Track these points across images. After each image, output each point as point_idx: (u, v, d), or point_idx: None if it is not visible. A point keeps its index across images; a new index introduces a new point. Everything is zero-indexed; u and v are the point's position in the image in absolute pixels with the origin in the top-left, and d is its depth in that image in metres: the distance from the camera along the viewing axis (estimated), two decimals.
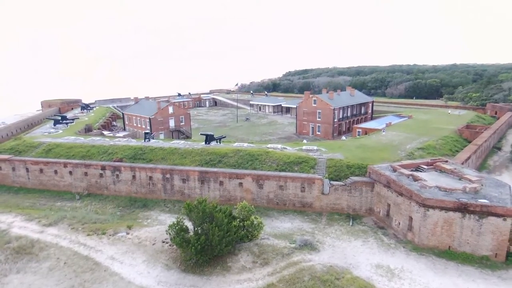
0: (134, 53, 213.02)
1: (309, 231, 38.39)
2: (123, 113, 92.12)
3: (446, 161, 44.05)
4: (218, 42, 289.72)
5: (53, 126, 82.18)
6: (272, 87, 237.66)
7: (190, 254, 30.28)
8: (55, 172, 53.22)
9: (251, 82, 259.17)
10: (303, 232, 38.04)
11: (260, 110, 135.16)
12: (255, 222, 35.43)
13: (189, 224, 32.90)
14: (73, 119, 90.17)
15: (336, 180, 46.12)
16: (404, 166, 42.52)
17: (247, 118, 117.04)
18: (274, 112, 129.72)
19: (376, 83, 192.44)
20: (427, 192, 34.62)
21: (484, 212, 31.76)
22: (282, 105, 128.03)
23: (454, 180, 39.01)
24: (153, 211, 45.36)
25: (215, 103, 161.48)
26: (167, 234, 32.31)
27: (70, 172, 52.54)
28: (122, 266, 31.74)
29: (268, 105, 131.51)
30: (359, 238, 36.73)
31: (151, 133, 65.71)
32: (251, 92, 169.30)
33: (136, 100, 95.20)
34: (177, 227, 32.04)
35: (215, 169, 47.04)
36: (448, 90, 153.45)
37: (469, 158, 51.49)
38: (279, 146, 57.17)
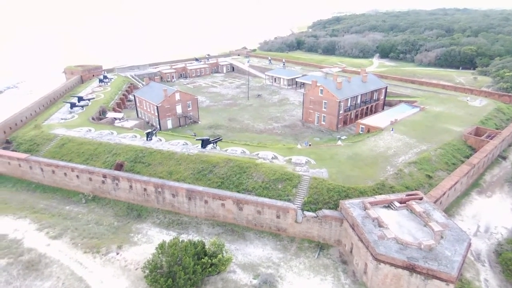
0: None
1: (276, 262, 42.29)
2: (134, 95, 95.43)
3: (421, 198, 44.62)
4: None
5: (70, 109, 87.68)
6: (296, 44, 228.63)
7: None
8: (65, 174, 59.39)
9: (275, 38, 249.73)
10: (269, 264, 42.03)
11: (275, 81, 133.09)
12: (224, 257, 39.70)
13: None
14: (89, 100, 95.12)
15: (314, 204, 48.64)
16: (376, 203, 43.89)
17: (258, 95, 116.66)
18: (288, 85, 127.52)
19: (407, 46, 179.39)
20: (383, 245, 36.60)
21: (429, 275, 33.78)
22: (297, 80, 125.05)
23: (419, 226, 40.26)
24: (145, 223, 50.83)
25: (232, 68, 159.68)
26: (142, 271, 37.43)
27: (77, 176, 58.46)
28: None
29: (283, 78, 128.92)
30: (318, 275, 40.26)
31: (153, 130, 69.21)
32: (269, 59, 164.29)
33: (147, 82, 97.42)
34: (152, 264, 37.01)
35: (200, 188, 50.67)
36: (483, 62, 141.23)
37: (454, 185, 51.24)
38: (270, 156, 59.12)
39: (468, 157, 62.40)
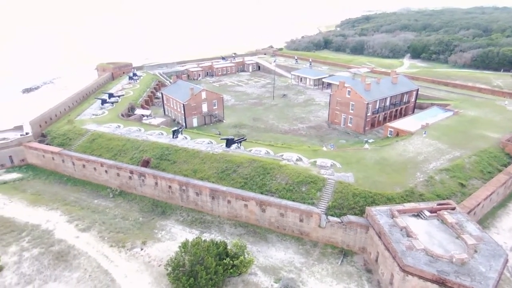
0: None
1: (298, 267, 41.62)
2: (162, 93, 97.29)
3: (453, 208, 42.40)
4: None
5: (101, 105, 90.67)
6: (324, 43, 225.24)
7: None
8: (94, 169, 61.42)
9: (302, 37, 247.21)
10: (291, 268, 41.41)
11: (300, 81, 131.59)
12: (246, 258, 39.48)
13: None
14: (119, 96, 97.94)
15: (339, 209, 47.49)
16: (405, 211, 42.16)
17: (284, 95, 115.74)
18: (314, 85, 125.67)
19: (440, 46, 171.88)
20: (411, 256, 35.06)
21: None
22: (323, 80, 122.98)
23: (451, 237, 38.28)
24: (169, 220, 51.56)
25: (258, 67, 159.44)
26: (165, 268, 37.95)
27: (106, 171, 60.27)
28: (132, 287, 38.65)
29: (309, 78, 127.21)
30: (341, 282, 39.22)
31: (179, 128, 70.11)
32: (296, 58, 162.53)
33: (174, 80, 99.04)
34: (174, 262, 37.43)
35: (223, 188, 50.76)
36: None
37: (490, 195, 48.41)
38: (295, 157, 58.36)
39: (506, 166, 58.85)
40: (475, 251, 35.69)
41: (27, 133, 71.43)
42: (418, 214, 42.51)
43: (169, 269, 37.19)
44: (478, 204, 46.11)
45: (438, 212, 41.89)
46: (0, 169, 67.39)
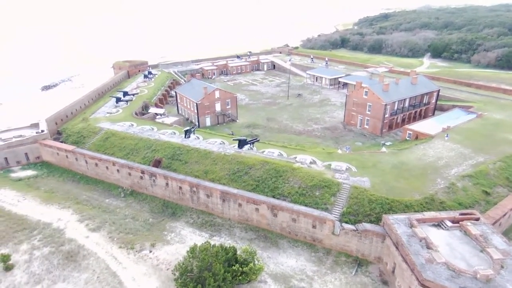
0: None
1: (309, 276, 40.01)
2: (175, 92, 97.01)
3: (478, 219, 39.83)
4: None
5: (115, 103, 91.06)
6: (341, 42, 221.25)
7: None
8: (107, 168, 61.38)
9: (318, 35, 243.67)
10: (303, 276, 39.85)
11: (316, 81, 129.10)
12: (256, 265, 38.15)
13: None
14: (133, 94, 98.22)
15: (354, 215, 45.56)
16: (424, 220, 39.91)
17: (299, 94, 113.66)
18: (330, 85, 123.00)
19: (463, 45, 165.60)
20: (431, 270, 32.94)
21: None
22: (340, 80, 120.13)
23: (475, 250, 35.86)
24: (179, 222, 50.80)
25: (273, 66, 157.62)
26: (173, 273, 37.06)
27: (118, 170, 60.10)
28: None
29: (325, 77, 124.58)
30: None
31: (192, 128, 69.35)
32: (311, 57, 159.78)
33: (188, 79, 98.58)
34: (182, 267, 36.48)
35: (235, 191, 49.58)
36: None
37: None
38: (308, 160, 56.59)
39: None
40: (502, 267, 33.24)
41: (42, 131, 72.20)
42: (438, 224, 40.15)
43: (177, 274, 36.29)
44: (504, 215, 43.31)
45: (460, 222, 39.45)
46: (15, 166, 68.36)
